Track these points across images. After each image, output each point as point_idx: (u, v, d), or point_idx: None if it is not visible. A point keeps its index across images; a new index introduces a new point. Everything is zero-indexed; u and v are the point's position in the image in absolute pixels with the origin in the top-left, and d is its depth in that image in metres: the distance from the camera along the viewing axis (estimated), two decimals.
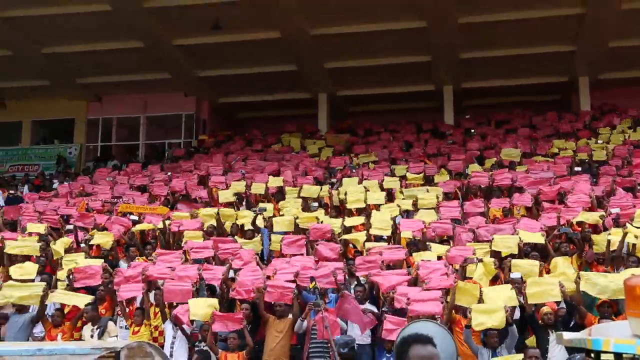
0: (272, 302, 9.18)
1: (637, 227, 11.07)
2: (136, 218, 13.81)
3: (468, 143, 20.69)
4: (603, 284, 8.46)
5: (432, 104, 24.63)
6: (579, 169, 16.41)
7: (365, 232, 12.24)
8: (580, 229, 11.89)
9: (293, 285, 9.13)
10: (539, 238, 11.11)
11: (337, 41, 21.07)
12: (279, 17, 19.81)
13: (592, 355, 3.06)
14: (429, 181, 16.42)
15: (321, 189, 15.58)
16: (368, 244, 11.62)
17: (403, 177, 16.56)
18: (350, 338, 7.76)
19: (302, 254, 10.98)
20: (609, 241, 10.45)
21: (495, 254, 10.78)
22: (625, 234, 10.37)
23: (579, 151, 18.27)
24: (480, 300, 8.67)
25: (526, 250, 10.93)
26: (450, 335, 4.42)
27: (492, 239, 11.09)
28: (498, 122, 23.30)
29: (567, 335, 3.21)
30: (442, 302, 8.59)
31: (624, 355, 2.73)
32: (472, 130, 22.84)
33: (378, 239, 12.15)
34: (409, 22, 20.17)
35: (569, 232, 11.78)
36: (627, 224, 10.93)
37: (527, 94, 24.44)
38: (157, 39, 21.04)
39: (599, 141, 19.09)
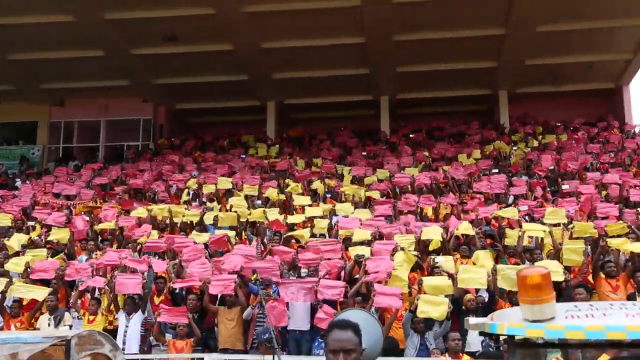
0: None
1: (546, 224, 11.48)
2: (87, 218, 13.54)
3: (402, 148, 21.00)
4: (515, 277, 8.64)
5: (370, 112, 24.85)
6: (496, 171, 16.85)
7: (309, 228, 12.32)
8: (497, 225, 12.22)
9: (234, 277, 9.08)
10: (469, 230, 11.34)
11: (285, 54, 21.10)
12: (232, 31, 19.70)
13: (493, 337, 3.15)
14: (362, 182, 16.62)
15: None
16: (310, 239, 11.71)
17: (341, 179, 16.72)
18: (266, 327, 7.81)
19: (227, 250, 10.95)
20: (519, 236, 10.75)
21: (422, 247, 11.03)
22: (523, 232, 10.73)
23: (497, 155, 18.77)
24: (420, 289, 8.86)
25: (455, 245, 11.16)
26: (378, 323, 4.45)
27: (422, 230, 11.33)
28: (429, 130, 23.71)
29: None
30: (401, 298, 8.65)
31: (516, 338, 2.83)
32: (412, 135, 23.26)
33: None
34: (350, 38, 20.35)
35: (488, 229, 12.09)
36: (523, 222, 11.30)
37: (456, 104, 24.90)
38: (117, 49, 20.65)
39: (514, 147, 19.65)
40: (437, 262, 9.91)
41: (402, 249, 10.05)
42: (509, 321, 2.80)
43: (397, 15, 18.60)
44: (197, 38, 20.13)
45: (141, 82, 23.12)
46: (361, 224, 12.20)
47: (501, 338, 3.09)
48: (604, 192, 14.26)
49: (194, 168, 19.02)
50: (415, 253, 10.35)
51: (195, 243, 11.12)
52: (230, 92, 23.64)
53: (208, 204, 14.61)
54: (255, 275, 8.27)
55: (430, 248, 11.14)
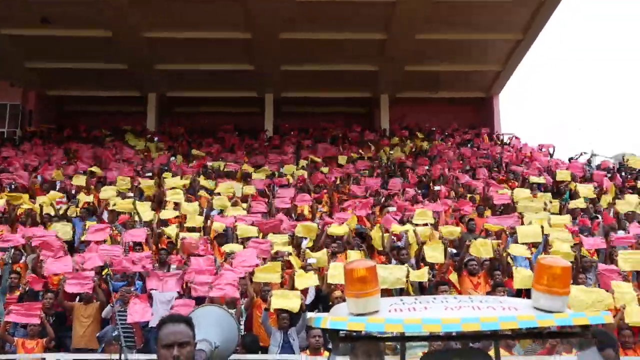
0: None
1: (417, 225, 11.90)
2: None
3: (284, 146, 21.12)
4: (384, 275, 8.89)
5: (254, 109, 24.70)
6: (367, 172, 17.30)
7: (178, 224, 12.05)
8: (369, 225, 12.53)
9: (92, 274, 8.68)
10: (345, 230, 11.52)
11: (168, 45, 20.49)
12: (111, 17, 18.82)
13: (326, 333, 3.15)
14: (245, 179, 16.50)
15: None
16: (182, 234, 11.45)
17: (221, 176, 16.51)
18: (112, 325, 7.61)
19: (105, 241, 10.52)
20: (385, 236, 11.11)
21: (297, 243, 11.13)
22: (390, 232, 11.12)
23: (375, 158, 19.33)
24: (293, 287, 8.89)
25: (327, 243, 11.30)
26: (234, 319, 4.35)
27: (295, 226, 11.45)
28: (312, 129, 23.96)
29: (309, 314, 3.29)
30: (238, 288, 8.65)
31: (340, 332, 2.85)
32: (292, 132, 23.38)
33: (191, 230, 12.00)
34: (236, 33, 20.13)
35: (359, 227, 12.36)
36: (393, 224, 11.71)
37: (340, 105, 25.34)
38: None
39: (390, 151, 20.30)
40: (309, 262, 10.03)
41: (290, 254, 10.17)
42: (331, 315, 2.80)
43: (282, 12, 18.63)
44: (73, 22, 19.08)
45: (9, 65, 21.55)
46: (236, 221, 12.11)
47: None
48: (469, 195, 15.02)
49: (64, 158, 18.05)
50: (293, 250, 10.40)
51: (57, 237, 10.54)
52: (109, 81, 22.64)
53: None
54: (106, 270, 7.94)
55: (307, 245, 11.27)
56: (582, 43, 59.01)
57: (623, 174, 17.38)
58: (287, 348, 8.28)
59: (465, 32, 20.29)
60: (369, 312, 2.75)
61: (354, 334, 2.81)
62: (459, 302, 2.97)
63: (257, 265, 9.45)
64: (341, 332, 2.82)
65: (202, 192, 14.66)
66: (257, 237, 11.19)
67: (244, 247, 10.70)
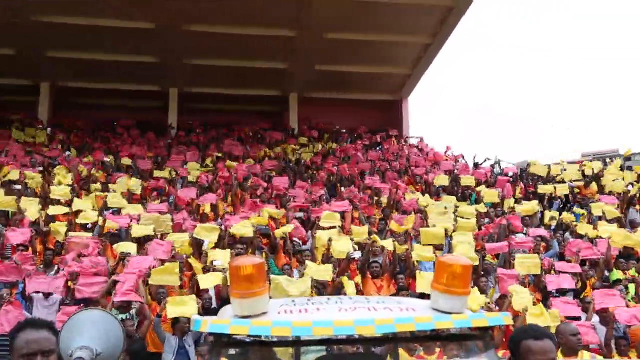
0: None
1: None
2: None
3: (189, 144, 20.61)
4: (288, 288, 8.68)
5: (157, 104, 23.89)
6: (274, 173, 17.19)
7: (67, 222, 11.41)
8: (274, 226, 12.32)
9: None
10: (249, 232, 11.25)
11: (62, 31, 19.28)
12: None
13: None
14: (145, 178, 15.91)
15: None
16: (71, 234, 10.83)
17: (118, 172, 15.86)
18: None
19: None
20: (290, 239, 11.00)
21: (197, 243, 10.79)
22: (287, 235, 11.06)
23: (284, 157, 19.21)
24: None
25: (230, 243, 11.03)
26: (120, 324, 4.00)
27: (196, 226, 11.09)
28: (218, 126, 23.50)
29: (194, 317, 3.03)
30: (142, 295, 8.35)
31: (224, 337, 2.60)
32: (198, 130, 22.83)
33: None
34: (138, 23, 19.29)
35: (264, 228, 12.12)
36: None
37: (249, 103, 24.92)
38: None
39: (298, 152, 20.25)
40: (214, 265, 9.74)
41: (189, 256, 9.95)
42: (218, 318, 2.56)
43: (187, 3, 18.05)
44: None
45: None
46: (132, 220, 11.61)
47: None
48: (376, 198, 15.14)
49: None
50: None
51: None
52: None
53: None
54: None
55: (209, 247, 10.95)
56: (495, 41, 61.76)
57: (525, 180, 18.10)
58: (182, 354, 7.98)
59: (374, 34, 20.42)
60: (256, 314, 2.53)
61: (248, 339, 2.58)
62: (355, 303, 2.81)
63: (153, 267, 9.05)
64: (226, 337, 2.57)
65: (96, 192, 13.97)
66: (155, 237, 10.81)
67: (140, 248, 10.29)
